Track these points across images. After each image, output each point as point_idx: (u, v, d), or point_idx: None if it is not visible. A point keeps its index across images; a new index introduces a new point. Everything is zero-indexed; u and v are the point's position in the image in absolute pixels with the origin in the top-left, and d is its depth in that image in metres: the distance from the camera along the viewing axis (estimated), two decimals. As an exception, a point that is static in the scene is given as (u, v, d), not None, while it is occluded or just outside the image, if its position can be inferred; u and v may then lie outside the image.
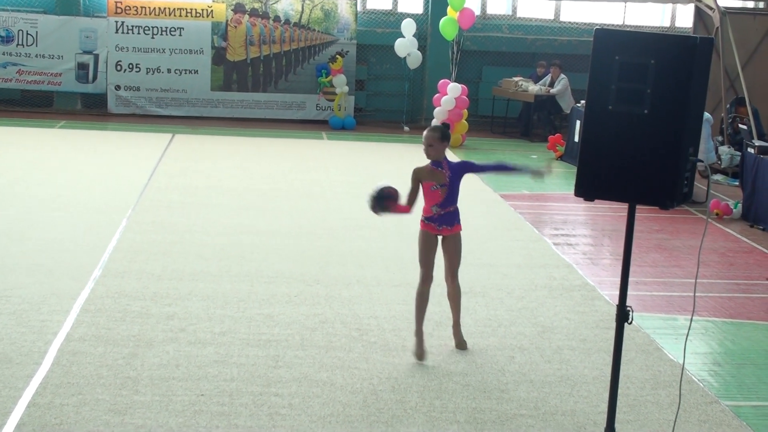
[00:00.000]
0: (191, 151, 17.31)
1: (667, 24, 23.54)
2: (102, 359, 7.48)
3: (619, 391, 6.09)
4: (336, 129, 21.15)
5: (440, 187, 7.97)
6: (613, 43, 5.48)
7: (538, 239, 12.12)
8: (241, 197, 13.58)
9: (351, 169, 16.29)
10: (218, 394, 6.98)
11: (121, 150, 17.14)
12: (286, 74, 21.86)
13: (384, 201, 7.95)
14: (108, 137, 18.67)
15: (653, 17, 23.54)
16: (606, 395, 6.15)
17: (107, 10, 21.21)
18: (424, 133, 8.00)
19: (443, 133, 7.98)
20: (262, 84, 21.84)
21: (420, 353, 7.84)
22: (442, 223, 8.00)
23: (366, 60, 22.40)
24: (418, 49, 20.77)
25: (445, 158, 8.05)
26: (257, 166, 16.14)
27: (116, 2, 21.14)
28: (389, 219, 12.14)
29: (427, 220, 8.03)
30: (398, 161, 17.19)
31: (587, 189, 5.62)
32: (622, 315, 5.78)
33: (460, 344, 8.17)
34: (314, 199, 13.75)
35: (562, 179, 16.93)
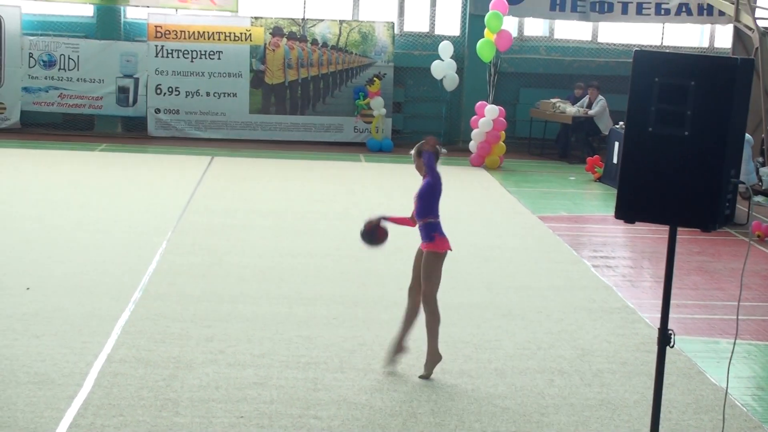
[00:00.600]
0: (230, 174, 17.41)
1: (705, 45, 23.41)
2: (142, 381, 7.53)
3: (661, 415, 6.04)
4: (374, 151, 21.19)
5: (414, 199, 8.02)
6: (653, 65, 5.47)
7: (577, 261, 12.07)
8: (279, 219, 13.64)
9: (389, 190, 16.30)
10: (258, 416, 7.00)
11: (161, 173, 17.27)
12: (324, 97, 21.96)
13: (370, 236, 8.23)
14: (148, 160, 18.82)
15: (692, 38, 23.41)
16: (647, 420, 6.11)
17: (147, 35, 21.43)
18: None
19: (417, 149, 8.14)
20: (300, 107, 21.94)
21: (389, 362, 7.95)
22: (421, 236, 8.03)
23: (403, 82, 22.45)
24: (456, 72, 20.79)
25: (428, 173, 8.04)
26: (296, 189, 16.20)
27: (156, 26, 21.35)
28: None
29: None
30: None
31: (628, 211, 5.59)
32: (664, 338, 5.74)
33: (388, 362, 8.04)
34: (352, 220, 13.73)
35: (600, 201, 16.86)
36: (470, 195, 16.39)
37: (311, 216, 13.99)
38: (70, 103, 21.47)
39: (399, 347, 8.08)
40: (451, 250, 8.06)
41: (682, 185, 5.43)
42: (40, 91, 21.36)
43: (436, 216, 8.03)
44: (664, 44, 22.93)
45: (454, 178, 18.05)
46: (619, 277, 11.54)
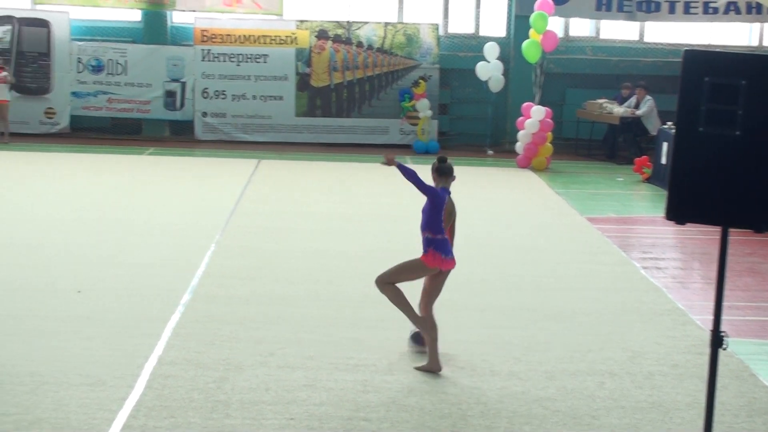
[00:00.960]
0: (277, 177, 17.50)
1: (755, 43, 23.17)
2: (193, 383, 7.58)
3: (714, 418, 5.97)
4: (419, 153, 21.19)
5: None
6: (703, 65, 5.41)
7: (626, 263, 11.98)
8: (327, 221, 13.68)
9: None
10: (308, 418, 7.02)
11: (208, 176, 17.40)
12: (370, 99, 22.01)
13: None
14: (195, 163, 18.96)
15: (740, 37, 23.17)
16: (700, 422, 6.05)
17: (194, 39, 21.61)
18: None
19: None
20: (346, 109, 22.01)
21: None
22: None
23: (449, 84, 22.44)
24: (502, 73, 20.74)
25: (427, 189, 8.16)
26: (342, 191, 16.24)
27: (203, 31, 21.51)
28: (476, 245, 12.13)
29: None
30: (482, 185, 17.17)
31: (679, 212, 5.54)
32: (717, 340, 5.68)
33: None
34: (400, 222, 13.76)
35: (649, 202, 16.73)
36: (517, 197, 16.34)
37: (358, 218, 14.01)
38: (119, 107, 21.71)
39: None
40: (442, 270, 8.01)
41: (734, 186, 5.37)
42: (88, 96, 21.62)
43: (436, 232, 8.00)
44: (711, 43, 22.71)
45: (501, 180, 18.01)
46: (669, 278, 11.44)
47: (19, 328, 8.70)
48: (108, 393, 7.31)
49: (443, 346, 8.62)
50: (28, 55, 21.53)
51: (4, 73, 20.35)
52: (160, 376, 7.69)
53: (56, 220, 13.22)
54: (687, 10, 21.94)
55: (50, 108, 21.63)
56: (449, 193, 8.19)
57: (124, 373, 7.72)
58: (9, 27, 21.43)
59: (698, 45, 22.41)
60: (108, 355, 8.10)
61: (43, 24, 21.45)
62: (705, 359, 7.75)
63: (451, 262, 8.07)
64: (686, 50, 5.52)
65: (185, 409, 7.07)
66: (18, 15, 21.49)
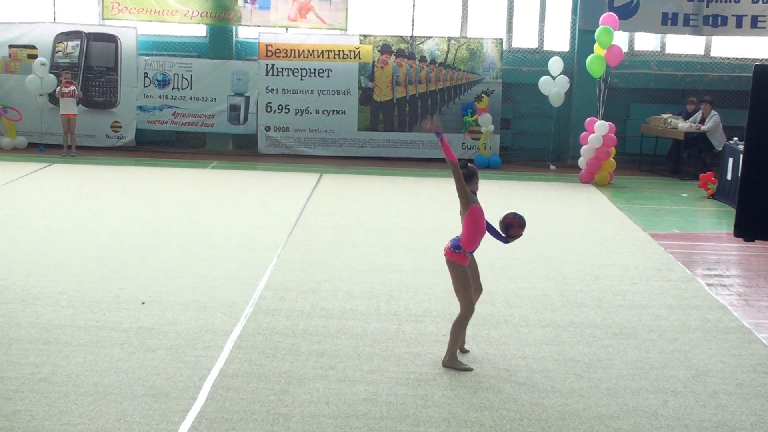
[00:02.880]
0: (339, 191, 17.55)
1: (824, 58, 22.81)
2: (254, 395, 7.62)
3: (781, 438, 5.88)
4: (481, 168, 21.13)
5: None
6: (774, 80, 5.35)
7: (690, 279, 11.83)
8: (388, 236, 13.69)
9: (497, 208, 16.15)
10: (368, 432, 7.03)
11: (271, 189, 17.51)
12: (432, 114, 21.99)
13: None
14: (258, 177, 19.10)
15: (809, 51, 22.85)
16: (767, 443, 5.95)
17: (258, 54, 21.79)
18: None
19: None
20: (408, 124, 22.03)
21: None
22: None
23: (511, 98, 22.37)
24: (565, 91, 20.66)
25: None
26: (404, 205, 16.25)
27: (267, 45, 21.69)
28: (538, 261, 12.07)
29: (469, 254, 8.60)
30: (545, 200, 17.08)
31: (747, 229, 5.48)
32: (784, 360, 5.58)
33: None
34: (461, 238, 13.71)
35: (714, 218, 16.51)
36: (580, 212, 16.21)
37: (419, 232, 14.00)
38: (183, 121, 21.95)
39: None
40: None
41: (804, 203, 5.30)
42: (154, 110, 21.90)
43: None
44: (780, 58, 22.40)
45: (563, 195, 17.90)
46: (734, 296, 11.28)
47: (85, 339, 8.81)
48: (171, 404, 7.38)
49: (504, 361, 8.59)
50: (96, 69, 21.87)
51: (72, 87, 20.68)
52: (221, 388, 7.74)
53: (121, 232, 13.39)
54: (754, 24, 21.66)
55: (116, 122, 21.94)
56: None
57: (187, 384, 7.79)
58: (78, 42, 21.79)
59: (766, 60, 22.11)
60: (171, 367, 8.17)
61: (111, 39, 21.79)
62: (772, 379, 7.64)
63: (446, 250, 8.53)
64: (756, 65, 5.46)
65: (246, 422, 7.11)
66: (87, 30, 21.85)
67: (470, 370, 8.33)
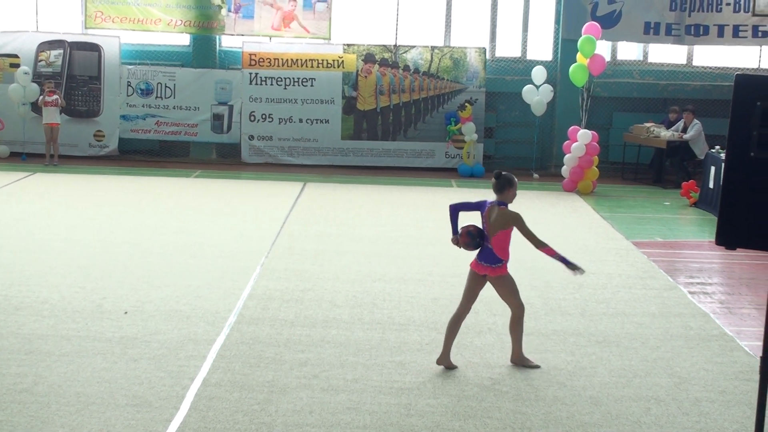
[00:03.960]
0: (323, 199, 17.55)
1: (804, 67, 22.95)
2: (237, 405, 7.60)
3: (763, 445, 5.89)
4: (465, 177, 21.19)
5: None
6: (755, 89, 5.38)
7: (672, 287, 11.87)
8: (372, 245, 13.69)
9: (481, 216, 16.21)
10: (351, 441, 7.01)
11: (255, 198, 17.50)
12: (416, 123, 22.04)
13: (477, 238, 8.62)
14: (242, 186, 19.08)
15: (790, 60, 22.98)
16: (749, 450, 5.97)
17: (242, 63, 21.79)
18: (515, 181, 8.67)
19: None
20: (392, 133, 22.06)
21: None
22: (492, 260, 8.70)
23: (495, 107, 22.42)
24: (548, 100, 20.73)
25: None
26: (387, 214, 16.26)
27: (251, 54, 21.69)
28: (521, 269, 12.08)
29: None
30: (528, 208, 17.10)
31: (729, 237, 5.49)
32: (766, 367, 5.60)
33: None
34: (445, 246, 13.68)
35: (696, 226, 16.57)
36: (563, 220, 16.25)
37: (403, 241, 14.01)
38: (167, 130, 21.92)
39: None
40: (477, 273, 8.68)
41: (785, 211, 5.32)
42: (137, 119, 21.86)
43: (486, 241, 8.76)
44: (761, 67, 22.53)
45: (547, 203, 17.93)
46: (716, 303, 11.32)
47: (67, 349, 8.78)
48: (153, 414, 7.35)
49: (488, 369, 8.59)
50: (79, 78, 21.82)
51: (55, 96, 20.63)
52: (204, 397, 7.72)
53: (104, 241, 13.35)
54: (736, 33, 21.78)
55: (99, 131, 21.89)
56: (500, 204, 8.64)
57: (170, 394, 7.77)
58: (60, 51, 21.74)
59: (747, 69, 22.25)
60: (154, 377, 8.15)
61: (94, 48, 21.74)
62: (753, 386, 7.66)
63: (477, 266, 8.62)
64: (738, 74, 5.49)
65: (229, 431, 7.09)
66: (69, 39, 21.81)
67: (538, 367, 8.66)
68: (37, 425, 7.07)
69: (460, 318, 8.70)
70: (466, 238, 8.64)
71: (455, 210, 8.85)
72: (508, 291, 8.60)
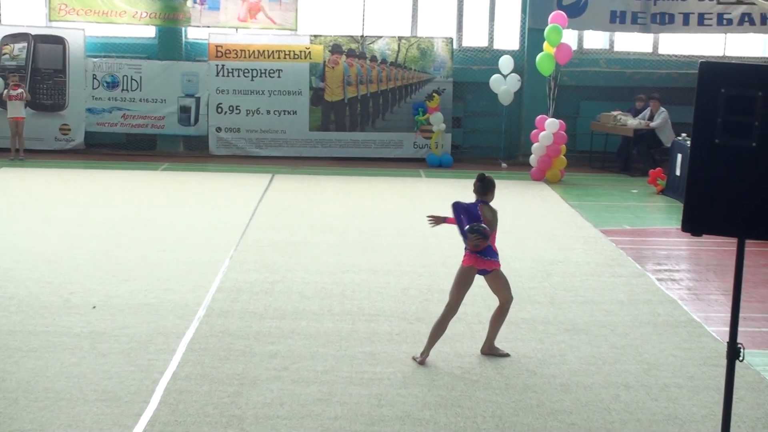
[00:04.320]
0: (291, 191, 17.52)
1: (768, 54, 23.12)
2: (208, 398, 7.58)
3: (730, 430, 5.93)
4: (433, 167, 21.20)
5: None
6: (719, 76, 5.40)
7: (640, 275, 11.94)
8: (341, 236, 13.68)
9: (449, 206, 16.22)
10: (322, 432, 7.02)
11: (223, 191, 17.44)
12: (383, 113, 22.02)
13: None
14: (209, 178, 19.01)
15: (755, 48, 23.12)
16: (717, 435, 6.01)
17: (208, 55, 21.67)
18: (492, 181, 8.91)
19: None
20: (360, 123, 22.03)
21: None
22: (490, 255, 8.74)
23: (462, 97, 22.44)
24: (515, 90, 20.77)
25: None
26: (356, 205, 16.25)
27: (217, 46, 21.58)
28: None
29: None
30: (497, 198, 17.10)
31: (695, 224, 5.51)
32: (733, 352, 5.65)
33: None
34: (413, 236, 13.76)
35: (663, 213, 16.68)
36: (531, 209, 16.31)
37: (372, 232, 14.01)
38: (133, 123, 21.78)
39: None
40: (474, 267, 8.63)
41: (750, 197, 5.35)
42: (103, 112, 21.70)
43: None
44: (726, 55, 22.66)
45: (515, 192, 17.98)
46: (684, 290, 11.40)
47: (35, 344, 8.72)
48: (123, 409, 7.32)
49: (458, 359, 8.61)
50: (44, 71, 21.63)
51: (20, 90, 20.45)
52: (174, 391, 7.70)
53: (71, 235, 13.26)
54: (701, 21, 21.91)
55: (65, 124, 21.72)
56: (482, 203, 8.82)
57: (139, 388, 7.73)
58: (24, 44, 21.54)
59: (712, 57, 22.37)
60: (123, 371, 8.11)
61: (58, 41, 21.55)
62: (721, 371, 7.72)
63: (478, 261, 8.56)
64: (702, 62, 5.51)
65: (200, 425, 7.07)
66: (33, 32, 21.60)
67: (508, 355, 8.73)
68: (5, 421, 7.02)
69: (448, 318, 8.64)
70: (482, 240, 8.48)
71: (459, 209, 8.92)
72: (503, 283, 8.68)
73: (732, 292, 5.69)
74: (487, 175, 8.89)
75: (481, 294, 10.68)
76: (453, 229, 14.22)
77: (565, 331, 9.53)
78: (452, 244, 13.18)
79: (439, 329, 8.62)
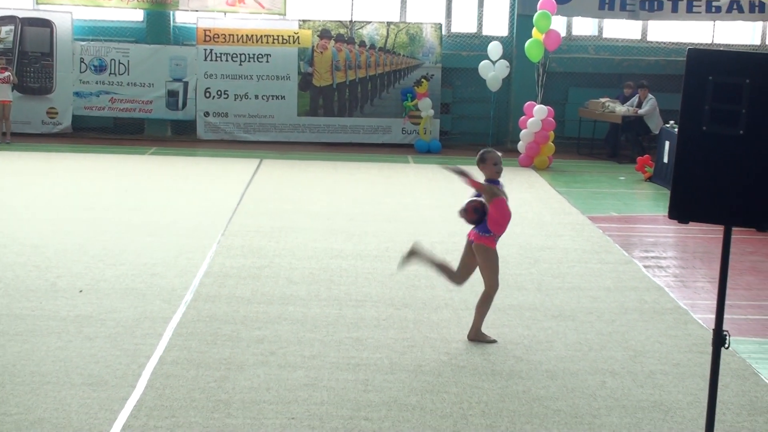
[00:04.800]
0: (279, 176, 17.49)
1: (757, 42, 23.13)
2: (194, 382, 7.57)
3: (715, 417, 5.96)
4: (422, 152, 21.20)
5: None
6: (707, 63, 5.40)
7: (627, 261, 11.97)
8: (328, 221, 13.67)
9: (437, 192, 16.28)
10: (309, 417, 7.02)
11: (211, 175, 17.40)
12: (372, 99, 21.99)
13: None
14: (197, 163, 18.96)
15: (743, 35, 23.14)
16: (701, 421, 6.05)
17: (196, 39, 21.60)
18: (497, 154, 8.97)
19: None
20: (348, 109, 21.99)
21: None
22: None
23: (451, 83, 22.42)
24: (503, 76, 20.75)
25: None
26: (344, 190, 16.24)
27: (205, 30, 21.51)
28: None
29: (497, 238, 8.71)
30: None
31: (682, 211, 5.52)
32: (719, 339, 5.67)
33: None
34: (401, 222, 13.77)
35: (651, 201, 16.72)
36: (519, 195, 16.30)
37: (360, 218, 14.00)
38: (121, 107, 21.70)
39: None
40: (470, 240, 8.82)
41: (737, 184, 5.36)
42: (91, 96, 21.61)
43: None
44: (715, 42, 22.69)
45: (503, 179, 17.94)
46: (670, 277, 11.44)
47: (21, 328, 8.70)
48: (109, 393, 7.31)
49: (444, 344, 8.63)
50: (31, 55, 21.52)
51: (7, 73, 20.35)
52: (161, 375, 7.69)
53: (58, 219, 13.22)
54: (690, 8, 21.92)
55: (52, 108, 21.63)
56: (490, 181, 8.89)
57: (126, 372, 7.73)
58: (11, 27, 21.43)
59: (701, 44, 22.40)
60: (110, 355, 8.10)
61: (45, 24, 21.45)
62: (706, 358, 7.76)
63: (470, 233, 8.74)
64: (690, 49, 5.51)
65: (186, 409, 7.07)
66: (21, 15, 21.49)
67: (495, 342, 8.75)
68: (-9, 405, 7.01)
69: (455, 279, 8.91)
70: (473, 214, 8.62)
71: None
72: (488, 265, 8.63)
73: (718, 279, 5.70)
74: (481, 150, 9.04)
75: (470, 281, 10.70)
76: (441, 215, 14.26)
77: (551, 318, 9.55)
78: (440, 229, 13.21)
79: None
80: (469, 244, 8.70)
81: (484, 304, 8.77)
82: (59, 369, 7.75)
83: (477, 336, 8.79)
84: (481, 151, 8.92)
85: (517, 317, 9.52)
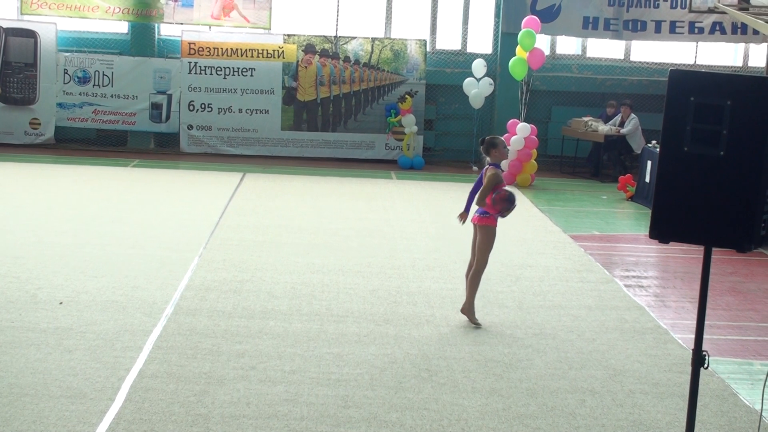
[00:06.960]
0: (262, 190, 17.48)
1: (739, 63, 23.29)
2: (174, 396, 7.55)
3: (694, 436, 5.98)
4: (405, 169, 21.22)
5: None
6: (689, 84, 5.44)
7: (608, 281, 12.00)
8: (311, 236, 13.66)
9: (420, 208, 16.30)
10: (288, 433, 7.00)
11: (193, 189, 17.36)
12: (356, 114, 22.02)
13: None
14: (180, 176, 18.93)
15: (725, 57, 23.30)
16: (681, 441, 6.05)
17: (181, 51, 21.59)
18: (503, 139, 9.88)
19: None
20: (332, 124, 22.01)
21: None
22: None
23: (435, 100, 22.47)
24: (487, 94, 20.82)
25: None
26: (327, 205, 16.23)
27: (190, 43, 21.51)
28: (459, 261, 12.11)
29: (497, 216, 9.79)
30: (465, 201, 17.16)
31: (662, 231, 5.55)
32: (698, 359, 5.69)
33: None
34: (384, 238, 13.77)
35: (633, 220, 16.77)
36: (501, 213, 16.33)
37: (342, 233, 14.00)
38: (104, 119, 21.65)
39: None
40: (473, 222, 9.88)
41: (718, 205, 5.40)
42: (74, 107, 21.56)
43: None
44: (697, 63, 22.82)
45: (486, 196, 17.99)
46: (651, 297, 11.47)
47: (0, 340, 8.64)
48: (88, 406, 7.28)
49: (425, 361, 8.63)
50: (15, 65, 21.46)
51: (-10, 83, 20.28)
52: (140, 389, 7.66)
53: (39, 231, 13.17)
54: (673, 29, 22.06)
55: (35, 119, 21.56)
56: (493, 165, 9.78)
57: (105, 385, 7.69)
58: (-5, 37, 21.37)
59: (684, 64, 22.53)
60: (89, 368, 8.06)
61: (30, 34, 21.39)
62: (686, 378, 7.79)
63: (473, 217, 9.90)
64: (672, 70, 5.55)
65: (165, 423, 7.04)
66: (5, 25, 21.42)
67: (479, 326, 9.61)
68: (-31, 417, 6.97)
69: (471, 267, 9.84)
70: (504, 203, 9.57)
71: (472, 192, 9.99)
72: (486, 241, 9.67)
73: (698, 299, 5.73)
74: (487, 137, 9.82)
75: (450, 297, 10.71)
76: (423, 231, 14.28)
77: (532, 336, 9.56)
78: (422, 245, 13.22)
79: (469, 282, 9.83)
80: (475, 227, 9.73)
81: (474, 280, 9.71)
82: (38, 381, 7.71)
83: (468, 312, 9.71)
84: (489, 138, 9.78)
85: (498, 335, 9.53)
